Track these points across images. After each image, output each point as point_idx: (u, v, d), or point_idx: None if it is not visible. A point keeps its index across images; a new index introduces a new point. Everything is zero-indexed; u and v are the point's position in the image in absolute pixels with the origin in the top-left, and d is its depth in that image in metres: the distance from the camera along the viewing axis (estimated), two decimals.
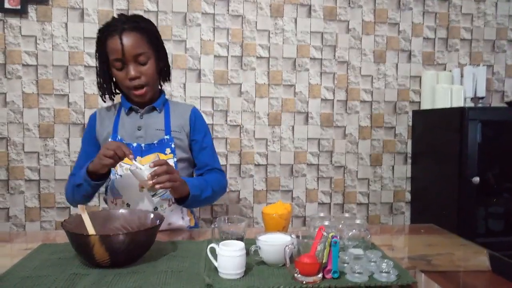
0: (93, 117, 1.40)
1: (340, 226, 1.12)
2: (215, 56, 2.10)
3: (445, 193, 1.96)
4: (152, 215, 1.11)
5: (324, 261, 0.91)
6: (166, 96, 1.41)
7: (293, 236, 1.00)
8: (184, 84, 2.08)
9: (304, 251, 0.91)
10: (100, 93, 1.34)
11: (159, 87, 1.39)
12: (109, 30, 1.24)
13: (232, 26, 2.10)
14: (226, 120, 2.12)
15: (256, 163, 2.16)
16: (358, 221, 1.14)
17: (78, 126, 2.02)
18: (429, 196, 2.09)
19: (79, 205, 1.09)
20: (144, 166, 1.12)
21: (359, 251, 1.02)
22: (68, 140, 2.02)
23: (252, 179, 2.15)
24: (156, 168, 1.11)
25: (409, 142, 2.25)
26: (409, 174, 2.25)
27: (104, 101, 1.36)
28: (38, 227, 2.02)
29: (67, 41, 1.99)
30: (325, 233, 0.92)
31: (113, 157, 1.12)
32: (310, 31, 2.15)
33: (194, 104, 2.07)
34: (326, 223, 1.13)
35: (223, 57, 2.10)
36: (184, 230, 1.32)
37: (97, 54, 1.30)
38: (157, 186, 1.10)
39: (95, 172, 1.19)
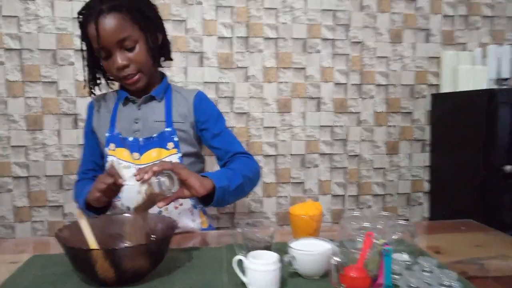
0: (90, 108, 1.23)
1: (382, 227, 0.97)
2: (218, 37, 1.91)
3: (469, 183, 1.82)
4: (162, 221, 0.95)
5: (374, 274, 0.76)
6: (169, 81, 1.23)
7: (333, 243, 0.85)
8: (185, 69, 1.90)
9: (348, 261, 0.76)
10: (87, 86, 1.17)
11: (158, 68, 1.21)
12: (86, 14, 1.05)
13: (237, 4, 1.91)
14: (232, 108, 1.95)
15: (265, 154, 1.99)
16: (402, 221, 0.98)
17: (69, 117, 1.83)
18: (451, 186, 1.95)
19: (77, 210, 0.93)
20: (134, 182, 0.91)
21: (406, 257, 0.87)
22: (58, 132, 1.83)
23: (261, 170, 1.99)
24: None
25: (428, 128, 2.10)
26: (427, 163, 2.11)
27: (94, 95, 1.19)
28: (28, 228, 1.85)
29: (54, 21, 1.79)
30: (376, 241, 0.77)
31: (106, 190, 0.96)
32: (321, 9, 1.97)
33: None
34: (365, 224, 0.98)
35: (227, 39, 1.92)
36: (196, 233, 1.16)
37: (81, 41, 1.12)
38: (145, 176, 0.86)
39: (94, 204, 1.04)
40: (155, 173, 0.87)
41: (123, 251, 0.80)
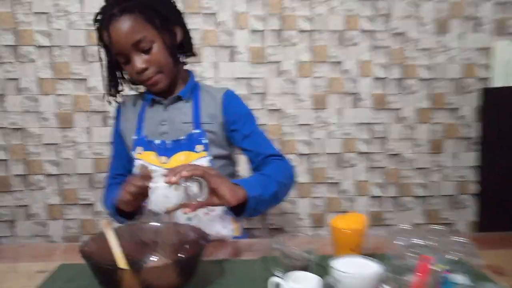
0: (117, 111, 1.18)
1: (435, 244, 0.86)
2: (250, 30, 1.82)
3: None
4: (195, 231, 0.88)
5: None
6: (197, 79, 1.16)
7: (380, 263, 0.76)
8: (216, 64, 1.82)
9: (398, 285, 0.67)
10: (107, 95, 1.12)
11: (185, 66, 1.14)
12: (100, 20, 1.00)
13: None
14: (264, 104, 1.86)
15: (299, 153, 1.90)
16: (458, 238, 0.87)
17: (99, 115, 1.81)
18: (504, 188, 1.79)
19: (103, 221, 0.87)
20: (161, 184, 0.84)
21: (464, 281, 0.77)
22: (88, 129, 1.81)
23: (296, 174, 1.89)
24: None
25: (476, 126, 1.94)
26: (476, 163, 1.95)
27: (110, 103, 1.14)
28: (61, 226, 1.84)
29: (83, 17, 1.75)
30: (436, 269, 0.67)
31: (136, 193, 0.91)
32: None
33: (228, 87, 1.81)
34: (416, 240, 0.88)
35: (259, 32, 1.83)
36: (228, 241, 1.09)
37: (98, 49, 1.07)
38: (173, 178, 0.79)
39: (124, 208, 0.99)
40: (185, 178, 0.80)
41: (151, 270, 0.74)
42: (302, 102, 1.87)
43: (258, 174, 1.02)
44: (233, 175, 1.18)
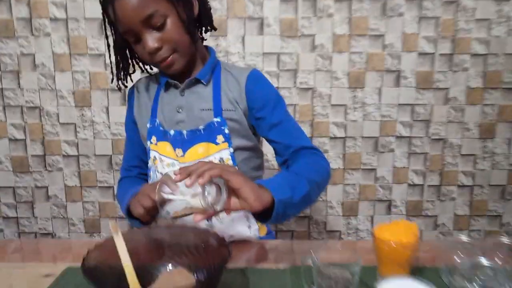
0: (130, 94, 1.05)
1: (501, 262, 0.71)
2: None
3: None
4: (215, 238, 0.76)
5: None
6: (221, 55, 1.00)
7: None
8: (243, 38, 1.66)
9: None
10: (116, 79, 0.97)
11: (200, 42, 0.98)
12: None
13: None
14: (295, 82, 1.70)
15: (332, 136, 1.74)
16: None
17: (117, 93, 1.69)
18: None
19: (110, 223, 0.76)
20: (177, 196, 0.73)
21: None
22: (107, 109, 1.70)
23: (327, 154, 1.74)
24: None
25: None
26: None
27: (119, 89, 0.99)
28: (80, 208, 1.78)
29: None
30: None
31: (152, 208, 0.82)
32: None
33: (255, 63, 1.66)
34: (482, 259, 0.73)
35: (291, 1, 1.64)
36: (252, 243, 0.97)
37: (104, 28, 0.92)
38: (187, 182, 0.68)
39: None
40: (202, 184, 0.67)
41: None
42: (338, 80, 1.69)
43: (287, 172, 0.88)
44: (259, 167, 1.05)
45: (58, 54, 1.65)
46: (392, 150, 1.75)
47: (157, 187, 0.74)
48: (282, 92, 1.69)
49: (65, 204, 1.78)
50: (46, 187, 1.76)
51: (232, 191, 0.70)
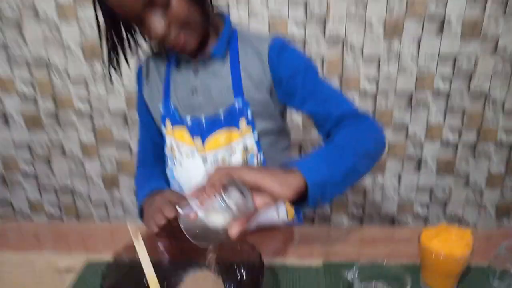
0: (139, 75, 0.92)
1: None
2: None
3: None
4: (249, 248, 0.69)
5: None
6: (236, 21, 0.84)
7: None
8: None
9: None
10: (107, 70, 0.80)
11: (212, 11, 0.81)
12: None
13: None
14: (323, 32, 1.52)
15: (363, 90, 1.59)
16: None
17: None
18: None
19: (129, 227, 0.69)
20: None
21: None
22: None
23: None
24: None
25: None
26: None
27: (111, 79, 0.83)
28: (97, 165, 1.74)
29: None
30: None
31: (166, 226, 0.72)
32: None
33: (280, 12, 1.47)
34: None
35: None
36: (279, 229, 0.90)
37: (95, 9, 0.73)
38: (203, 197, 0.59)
39: None
40: (219, 195, 0.58)
41: None
42: (371, 27, 1.50)
43: (324, 146, 0.72)
44: (287, 149, 0.94)
45: (61, 3, 1.49)
46: (427, 106, 1.61)
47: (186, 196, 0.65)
48: (309, 43, 1.52)
49: (82, 160, 1.74)
50: (61, 144, 1.71)
51: (254, 190, 0.59)
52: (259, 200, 0.60)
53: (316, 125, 0.85)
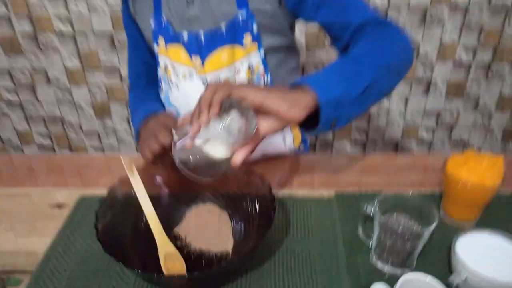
0: None
1: None
2: None
3: None
4: (258, 178, 0.62)
5: None
6: None
7: None
8: None
9: None
10: None
11: None
12: None
13: None
14: None
15: (372, 3, 1.44)
16: None
17: None
18: None
19: (123, 160, 0.62)
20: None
21: None
22: None
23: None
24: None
25: None
26: None
27: None
28: (86, 92, 1.63)
29: None
30: None
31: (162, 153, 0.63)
32: None
33: None
34: None
35: None
36: (284, 158, 0.84)
37: None
38: (194, 126, 0.49)
39: None
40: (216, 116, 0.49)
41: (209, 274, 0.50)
42: None
43: (340, 60, 0.61)
44: (296, 69, 0.84)
45: None
46: (441, 23, 1.47)
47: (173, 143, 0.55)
48: None
49: (69, 88, 1.62)
50: (44, 70, 1.58)
51: (257, 111, 0.51)
52: (264, 124, 0.52)
53: (331, 38, 0.73)
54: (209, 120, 0.48)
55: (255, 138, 0.53)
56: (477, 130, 1.71)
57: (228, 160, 0.53)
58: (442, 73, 1.57)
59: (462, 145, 1.75)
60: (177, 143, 0.52)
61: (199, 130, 0.49)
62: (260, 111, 0.50)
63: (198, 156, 0.52)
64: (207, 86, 0.50)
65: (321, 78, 0.53)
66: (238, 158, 0.53)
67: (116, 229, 0.56)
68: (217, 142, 0.52)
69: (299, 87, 0.52)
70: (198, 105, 0.49)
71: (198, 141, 0.51)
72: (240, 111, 0.51)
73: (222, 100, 0.48)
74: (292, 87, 0.53)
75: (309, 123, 0.54)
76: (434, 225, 0.52)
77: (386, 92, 0.62)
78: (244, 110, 0.51)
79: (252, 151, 0.54)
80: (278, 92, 0.50)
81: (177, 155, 0.52)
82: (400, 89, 1.61)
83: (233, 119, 0.51)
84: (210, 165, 0.52)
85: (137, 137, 0.73)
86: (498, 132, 1.71)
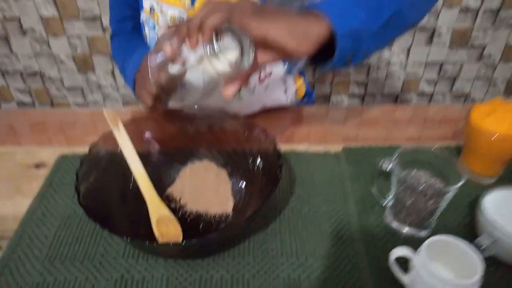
0: None
1: None
2: None
3: None
4: (261, 132, 0.55)
5: None
6: None
7: None
8: None
9: None
10: None
11: None
12: None
13: None
14: None
15: None
16: None
17: None
18: None
19: (106, 114, 0.54)
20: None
21: None
22: None
23: None
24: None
25: None
26: None
27: None
28: (66, 44, 1.50)
29: None
30: None
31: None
32: None
33: None
34: None
35: None
36: (287, 111, 0.77)
37: None
38: (187, 43, 0.42)
39: None
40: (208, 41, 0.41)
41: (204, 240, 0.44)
42: None
43: None
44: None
45: None
46: None
47: (148, 59, 0.48)
48: None
49: (46, 39, 1.49)
50: (18, 19, 1.44)
51: (258, 41, 0.42)
52: (263, 55, 0.45)
53: None
54: (196, 41, 0.41)
55: (248, 72, 0.45)
56: (480, 81, 1.64)
57: (212, 90, 0.46)
58: (447, 21, 1.48)
59: (464, 98, 1.68)
60: (156, 62, 0.45)
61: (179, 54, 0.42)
62: (260, 41, 0.42)
63: (178, 81, 0.45)
64: (206, 4, 0.41)
65: (338, 4, 0.44)
66: (231, 90, 0.46)
67: (100, 191, 0.49)
68: (204, 68, 0.44)
69: (311, 13, 0.44)
70: (187, 25, 0.41)
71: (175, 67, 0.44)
72: (235, 37, 0.43)
73: (216, 27, 0.40)
74: (302, 12, 0.44)
75: (321, 56, 0.46)
76: (461, 182, 0.47)
77: (411, 24, 0.54)
78: (241, 37, 0.43)
79: (246, 82, 0.47)
80: (285, 21, 0.42)
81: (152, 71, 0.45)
82: (402, 40, 1.52)
83: (226, 48, 0.43)
84: (190, 92, 0.46)
85: (134, 89, 0.64)
86: (502, 84, 1.65)
